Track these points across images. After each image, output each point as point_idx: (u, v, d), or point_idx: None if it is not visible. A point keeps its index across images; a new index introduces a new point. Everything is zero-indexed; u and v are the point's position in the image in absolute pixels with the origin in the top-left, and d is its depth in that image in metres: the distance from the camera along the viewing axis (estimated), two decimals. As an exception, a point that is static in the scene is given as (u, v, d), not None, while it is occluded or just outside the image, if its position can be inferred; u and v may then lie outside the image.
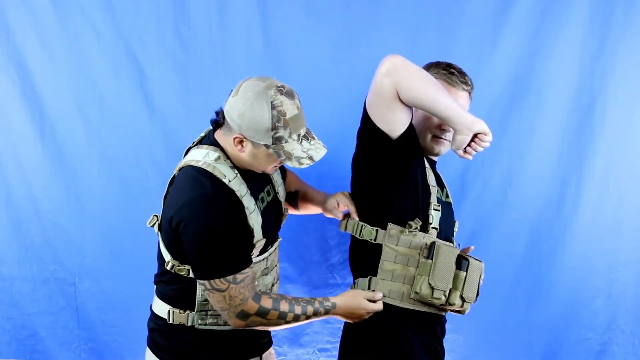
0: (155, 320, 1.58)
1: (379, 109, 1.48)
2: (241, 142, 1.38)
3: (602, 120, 2.17)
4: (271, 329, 1.50)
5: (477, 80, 2.12)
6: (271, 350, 1.72)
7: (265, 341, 1.66)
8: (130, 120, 2.11)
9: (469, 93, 1.65)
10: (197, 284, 1.44)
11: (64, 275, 2.18)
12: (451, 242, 1.64)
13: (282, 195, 1.65)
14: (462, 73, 1.63)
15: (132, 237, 2.12)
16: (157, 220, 1.52)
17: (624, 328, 2.30)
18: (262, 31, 2.08)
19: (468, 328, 2.25)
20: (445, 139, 1.62)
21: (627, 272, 2.27)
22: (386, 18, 2.09)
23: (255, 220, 1.43)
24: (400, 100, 1.43)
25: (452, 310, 1.59)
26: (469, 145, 1.50)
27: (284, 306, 1.45)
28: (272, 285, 1.62)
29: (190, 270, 1.45)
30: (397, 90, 1.42)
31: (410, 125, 1.51)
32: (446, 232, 1.62)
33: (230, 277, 1.37)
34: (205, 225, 1.36)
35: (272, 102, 1.33)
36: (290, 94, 1.37)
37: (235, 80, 2.10)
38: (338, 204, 1.65)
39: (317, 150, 1.41)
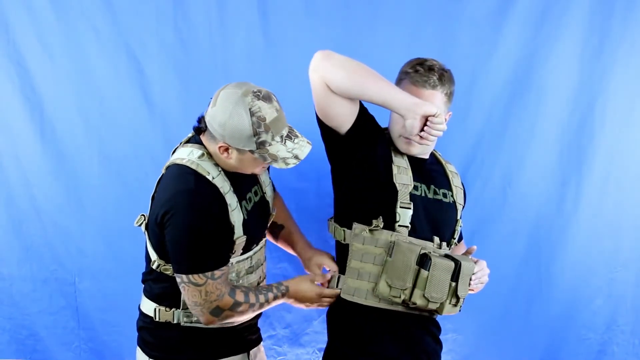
0: (143, 319, 1.59)
1: (320, 105, 1.50)
2: (227, 149, 1.40)
3: (602, 120, 2.17)
4: (237, 320, 1.52)
5: (477, 80, 2.13)
6: (260, 347, 1.72)
7: (253, 338, 1.67)
8: (130, 120, 2.11)
9: (443, 92, 1.53)
10: (176, 278, 1.45)
11: (64, 275, 2.18)
12: (443, 241, 1.60)
13: (269, 195, 1.66)
14: (431, 70, 1.52)
15: (132, 237, 2.11)
16: (144, 219, 1.53)
17: (624, 328, 2.30)
18: (262, 31, 2.08)
19: (468, 327, 2.25)
20: (413, 139, 1.54)
21: (627, 272, 2.27)
22: (386, 18, 2.09)
23: (236, 217, 1.45)
24: (336, 94, 1.44)
25: (424, 310, 1.55)
26: (422, 130, 1.47)
27: (252, 298, 1.48)
28: (258, 283, 1.63)
29: None
30: (326, 83, 1.44)
31: (358, 120, 1.51)
32: (429, 230, 1.58)
33: (208, 273, 1.39)
34: (188, 220, 1.37)
35: (250, 109, 1.35)
36: (267, 98, 1.38)
37: (234, 80, 2.11)
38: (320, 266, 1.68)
39: (302, 148, 1.43)
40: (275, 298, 1.54)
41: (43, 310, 2.20)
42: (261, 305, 1.51)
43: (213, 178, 1.42)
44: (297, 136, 1.44)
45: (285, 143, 1.40)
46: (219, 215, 1.42)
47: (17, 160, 2.12)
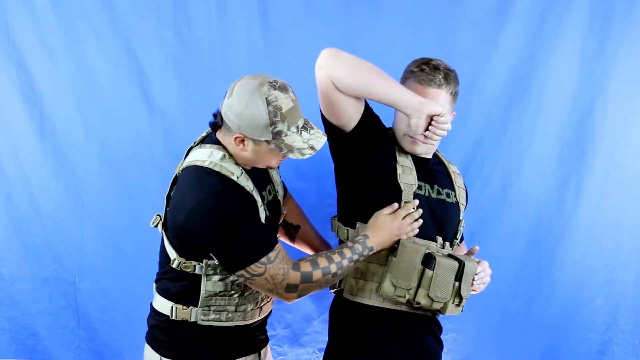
0: (155, 317, 1.58)
1: (325, 103, 1.50)
2: (242, 141, 1.40)
3: (602, 120, 2.17)
4: (321, 288, 1.48)
5: (477, 80, 2.13)
6: (267, 347, 1.72)
7: (262, 338, 1.67)
8: (130, 120, 2.11)
9: (448, 92, 1.55)
10: (237, 277, 1.43)
11: (64, 275, 2.18)
12: (446, 241, 1.60)
13: (280, 194, 1.66)
14: (436, 69, 1.53)
15: (132, 237, 2.12)
16: (161, 219, 1.52)
17: (624, 328, 2.30)
18: (262, 31, 2.08)
19: (468, 328, 2.26)
20: (417, 138, 1.53)
21: (627, 272, 2.27)
22: (386, 18, 2.10)
23: (262, 215, 1.45)
24: (342, 92, 1.44)
25: (427, 310, 1.55)
26: (427, 129, 1.47)
27: (322, 262, 1.43)
28: None
29: (197, 267, 1.46)
30: (333, 81, 1.44)
31: (363, 119, 1.51)
32: (433, 230, 1.58)
33: (264, 259, 1.38)
34: (220, 223, 1.36)
35: (266, 98, 1.34)
36: (283, 88, 1.38)
37: (235, 80, 2.11)
38: None
39: (318, 139, 1.42)
40: (356, 252, 1.46)
41: (43, 310, 2.20)
42: (340, 265, 1.44)
43: (237, 178, 1.41)
44: (312, 127, 1.43)
45: (301, 134, 1.39)
46: (250, 207, 1.41)
47: (17, 160, 2.12)
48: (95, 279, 2.18)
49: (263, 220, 1.45)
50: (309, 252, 1.78)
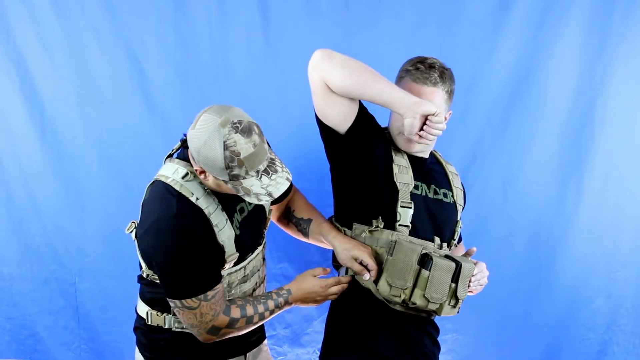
0: (138, 320, 1.59)
1: (319, 105, 1.49)
2: (203, 172, 1.37)
3: (602, 120, 2.17)
4: (238, 334, 1.50)
5: (477, 80, 2.13)
6: (261, 347, 1.70)
7: (252, 339, 1.64)
8: (130, 120, 2.11)
9: (444, 90, 1.53)
10: (169, 302, 1.43)
11: (64, 275, 2.18)
12: (443, 241, 1.59)
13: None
14: (432, 67, 1.52)
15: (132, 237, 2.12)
16: (135, 227, 1.51)
17: (624, 328, 2.30)
18: (262, 31, 2.08)
19: (468, 328, 2.26)
20: (412, 137, 1.52)
21: (627, 272, 2.27)
22: (386, 18, 2.10)
23: (226, 236, 1.42)
24: (336, 93, 1.44)
25: (423, 311, 1.54)
26: (422, 129, 1.46)
27: (249, 310, 1.47)
28: (253, 290, 1.60)
29: None
30: (325, 82, 1.43)
31: (358, 120, 1.50)
32: (430, 230, 1.57)
33: (201, 296, 1.37)
34: (170, 248, 1.35)
35: (225, 142, 1.28)
36: (246, 131, 1.30)
37: (235, 80, 2.12)
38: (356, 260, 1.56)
39: (278, 185, 1.36)
40: (278, 306, 1.51)
41: (43, 310, 2.20)
42: (261, 316, 1.48)
43: (197, 199, 1.38)
44: (275, 171, 1.37)
45: (260, 178, 1.34)
46: (204, 237, 1.39)
47: (17, 160, 2.12)
48: (95, 279, 2.18)
49: (232, 241, 1.43)
50: (322, 245, 1.71)
